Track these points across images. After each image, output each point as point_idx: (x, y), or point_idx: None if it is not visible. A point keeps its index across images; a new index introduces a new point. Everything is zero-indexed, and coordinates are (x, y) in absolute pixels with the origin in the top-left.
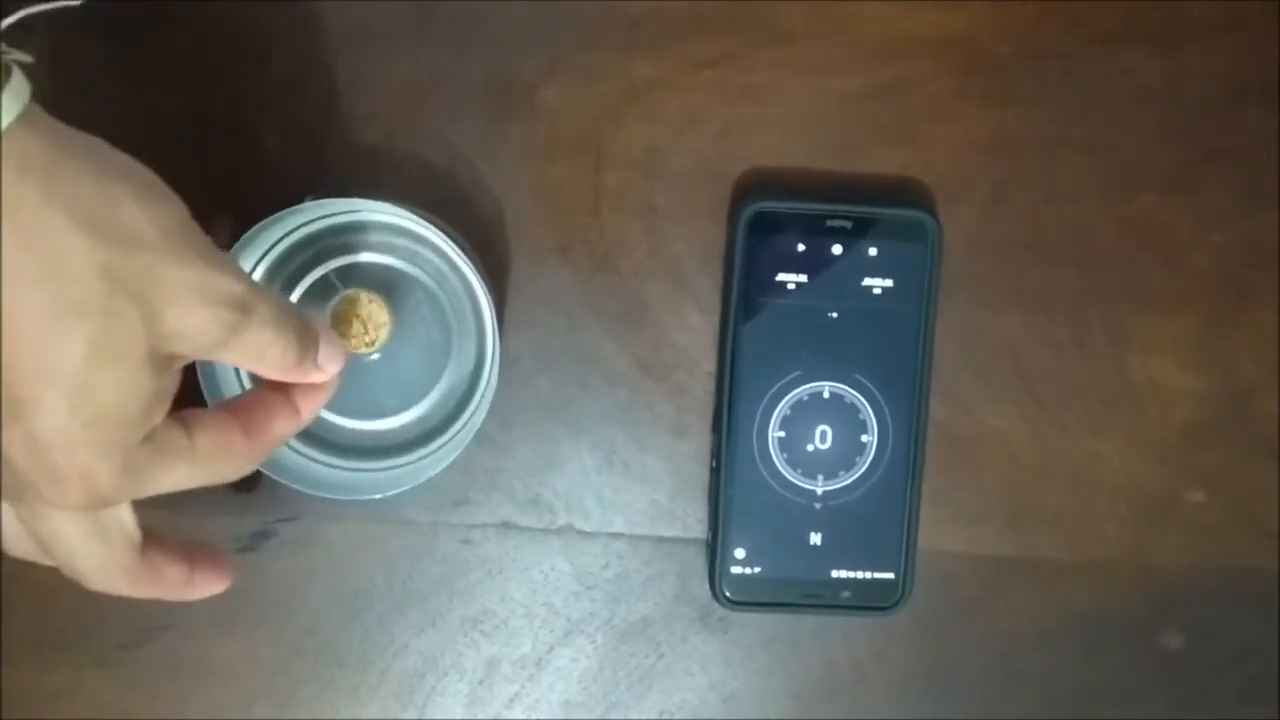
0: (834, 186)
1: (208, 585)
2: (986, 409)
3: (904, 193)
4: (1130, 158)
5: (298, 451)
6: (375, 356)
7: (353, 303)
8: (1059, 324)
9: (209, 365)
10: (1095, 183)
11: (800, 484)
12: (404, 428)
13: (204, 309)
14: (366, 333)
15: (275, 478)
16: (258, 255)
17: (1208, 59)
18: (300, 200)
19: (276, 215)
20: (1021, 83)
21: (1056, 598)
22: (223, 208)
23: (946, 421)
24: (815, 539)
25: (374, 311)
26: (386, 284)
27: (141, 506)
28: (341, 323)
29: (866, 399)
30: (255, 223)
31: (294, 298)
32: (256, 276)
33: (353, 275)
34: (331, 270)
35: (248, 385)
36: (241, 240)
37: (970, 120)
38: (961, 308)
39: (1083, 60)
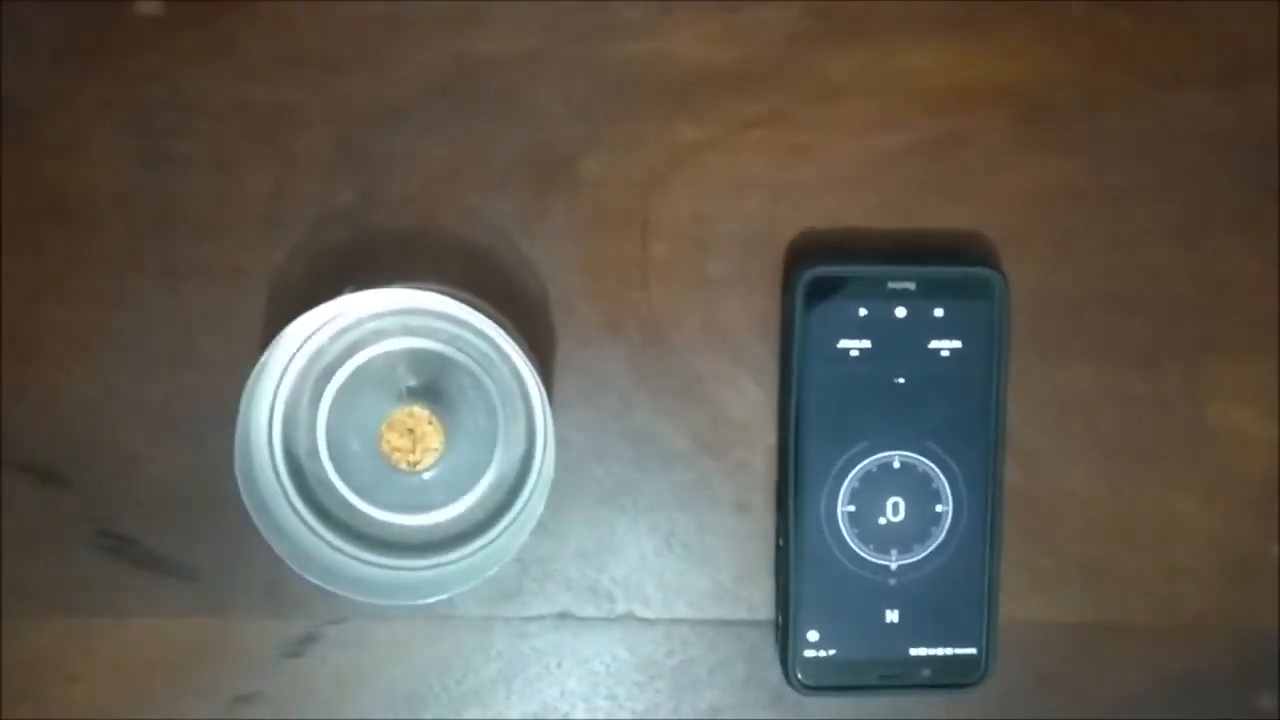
0: (892, 246)
1: None
2: (1060, 469)
3: (966, 249)
4: (1198, 201)
5: (340, 551)
6: (427, 476)
7: (406, 419)
8: (1132, 377)
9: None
10: (1163, 229)
11: (873, 560)
12: (453, 521)
13: None
14: (414, 453)
15: (320, 584)
16: (291, 351)
17: (1273, 95)
18: (339, 292)
19: (315, 311)
20: (1081, 129)
21: (1145, 663)
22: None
23: (1019, 484)
24: (891, 616)
25: (428, 432)
26: (428, 371)
27: (181, 613)
28: (392, 436)
29: (939, 467)
30: (287, 306)
31: (331, 391)
32: (292, 370)
33: (390, 363)
34: (369, 360)
35: (280, 464)
36: (277, 338)
37: (1030, 171)
38: (1029, 364)
39: (1144, 103)
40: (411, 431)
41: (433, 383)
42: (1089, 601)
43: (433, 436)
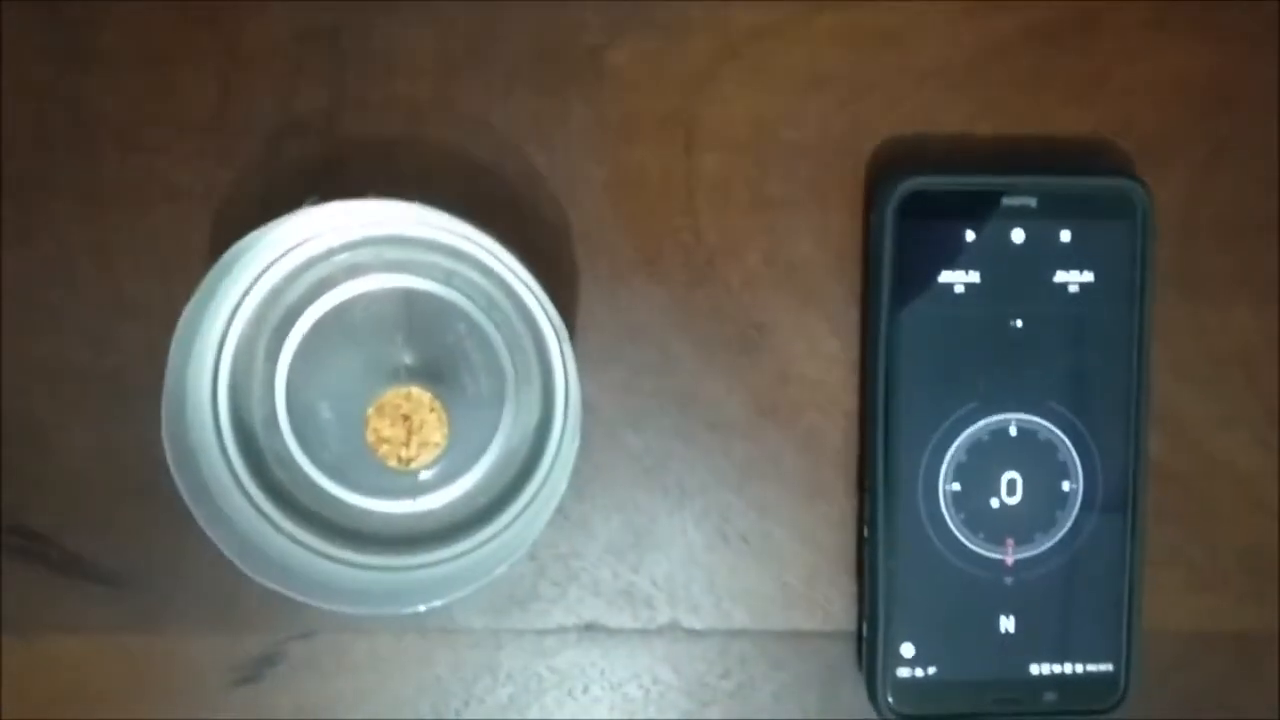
0: (1004, 155)
1: None
2: (1215, 438)
3: (1096, 158)
4: None
5: (305, 546)
6: (424, 476)
7: (401, 402)
8: None
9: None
10: None
11: (984, 552)
12: (448, 508)
13: None
14: (408, 446)
15: (280, 589)
16: (245, 284)
17: None
18: (299, 205)
19: (267, 227)
20: (1238, 7)
21: None
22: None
23: (1164, 456)
24: (1006, 625)
25: (428, 421)
26: (416, 317)
27: (108, 628)
28: (381, 424)
29: (1066, 434)
30: (237, 237)
31: (292, 343)
32: (242, 315)
33: (368, 308)
34: (341, 303)
35: (228, 437)
36: (220, 263)
37: (1177, 60)
38: (1175, 304)
39: None
40: (407, 419)
41: (431, 350)
42: (1250, 605)
43: (434, 428)
